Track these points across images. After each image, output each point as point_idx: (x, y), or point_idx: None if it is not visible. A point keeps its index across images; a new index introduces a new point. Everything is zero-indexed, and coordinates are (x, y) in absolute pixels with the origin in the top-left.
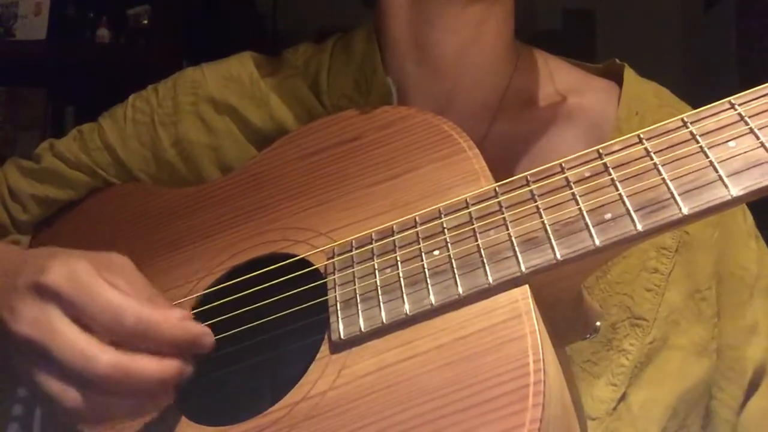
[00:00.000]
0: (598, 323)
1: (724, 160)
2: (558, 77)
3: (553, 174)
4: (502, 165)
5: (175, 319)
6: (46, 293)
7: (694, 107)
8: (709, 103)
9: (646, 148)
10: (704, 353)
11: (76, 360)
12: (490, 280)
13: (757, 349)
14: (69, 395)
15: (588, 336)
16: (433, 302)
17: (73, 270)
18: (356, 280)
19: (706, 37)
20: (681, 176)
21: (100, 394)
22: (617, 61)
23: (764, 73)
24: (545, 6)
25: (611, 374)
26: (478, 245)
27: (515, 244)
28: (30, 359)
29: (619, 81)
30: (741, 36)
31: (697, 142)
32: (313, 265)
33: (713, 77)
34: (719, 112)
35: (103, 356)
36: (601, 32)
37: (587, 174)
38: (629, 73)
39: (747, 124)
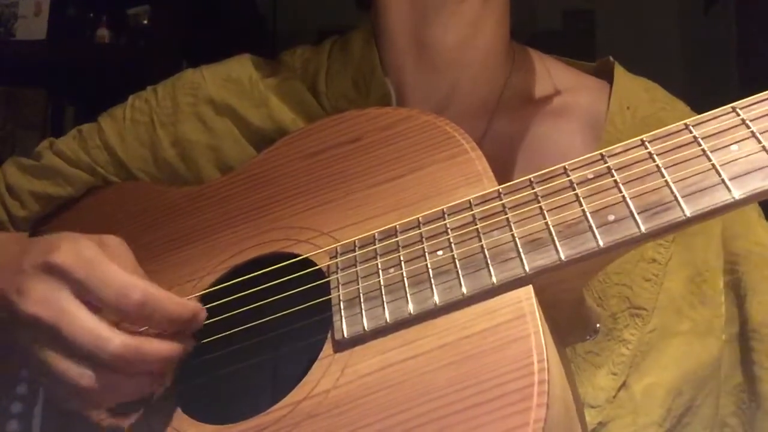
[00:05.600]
0: (598, 325)
1: (727, 164)
2: (553, 76)
3: (557, 176)
4: (500, 163)
5: (174, 297)
6: (55, 272)
7: (694, 107)
8: (709, 103)
9: (649, 152)
10: (710, 333)
11: (88, 340)
12: (494, 280)
13: None
14: (79, 374)
15: (588, 337)
16: (437, 302)
17: (81, 249)
18: (359, 279)
19: (706, 37)
20: (684, 179)
21: (109, 373)
22: (610, 58)
23: (764, 73)
24: (545, 6)
25: (612, 364)
26: (481, 246)
27: (519, 245)
28: (39, 339)
29: (611, 79)
30: (741, 36)
31: (700, 146)
32: (316, 265)
33: (713, 77)
34: (721, 116)
35: (114, 337)
36: (601, 32)
37: (591, 176)
38: (619, 70)
39: (749, 128)
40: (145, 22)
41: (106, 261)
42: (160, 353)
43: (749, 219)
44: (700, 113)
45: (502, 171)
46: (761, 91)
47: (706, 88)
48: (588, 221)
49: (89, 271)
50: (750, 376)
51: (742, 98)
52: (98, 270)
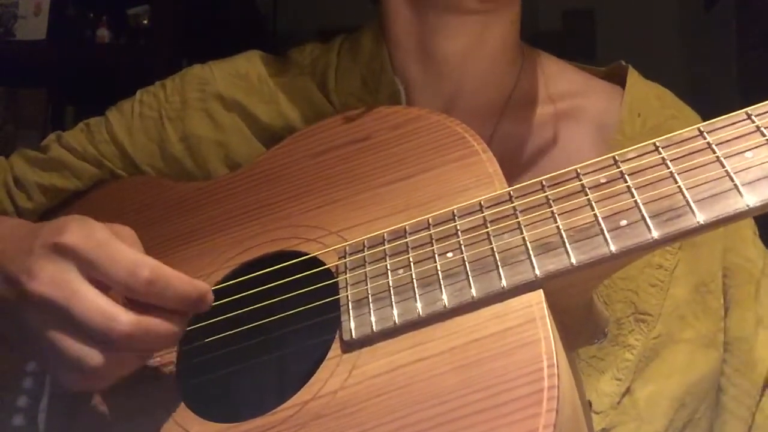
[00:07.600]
0: (606, 329)
1: (741, 171)
2: (563, 79)
3: (569, 179)
4: (506, 165)
5: (184, 276)
6: (65, 252)
7: (695, 108)
8: (709, 104)
9: (662, 157)
10: (712, 345)
11: (98, 320)
12: (504, 283)
13: (766, 344)
14: (89, 354)
15: (597, 341)
16: (446, 304)
17: (91, 230)
18: (368, 280)
19: (706, 37)
20: (697, 185)
21: (117, 351)
22: (623, 63)
23: (764, 73)
24: (545, 6)
25: (616, 369)
26: (492, 248)
27: (529, 249)
28: (48, 321)
29: (623, 83)
30: (741, 36)
31: (714, 152)
32: (324, 264)
33: (713, 77)
34: (736, 123)
35: (123, 316)
36: (601, 32)
37: (603, 180)
38: (633, 75)
39: (764, 135)
40: (145, 22)
41: (117, 241)
42: (168, 331)
43: (744, 235)
44: (701, 115)
45: (508, 173)
46: (760, 92)
47: (706, 88)
48: (600, 226)
49: (99, 251)
50: (717, 386)
51: (741, 99)
52: (108, 249)
